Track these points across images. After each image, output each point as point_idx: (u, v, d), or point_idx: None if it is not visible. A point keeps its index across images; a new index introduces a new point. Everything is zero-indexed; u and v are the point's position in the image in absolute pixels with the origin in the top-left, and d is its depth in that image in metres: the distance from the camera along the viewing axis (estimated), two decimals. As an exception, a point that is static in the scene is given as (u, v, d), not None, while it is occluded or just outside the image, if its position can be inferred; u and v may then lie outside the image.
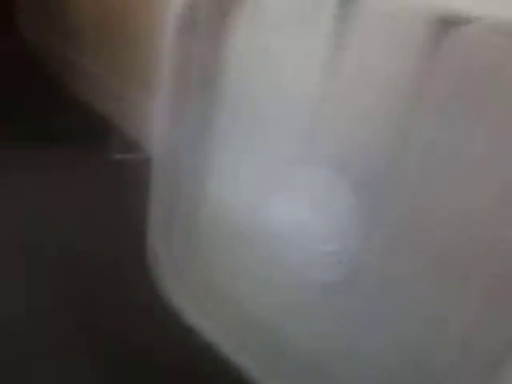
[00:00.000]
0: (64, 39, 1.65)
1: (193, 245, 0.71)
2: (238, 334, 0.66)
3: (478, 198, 0.42)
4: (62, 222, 0.95)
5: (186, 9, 0.61)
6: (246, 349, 0.64)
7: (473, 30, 0.40)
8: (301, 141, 0.57)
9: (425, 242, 0.47)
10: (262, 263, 0.62)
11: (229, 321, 0.67)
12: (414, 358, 0.48)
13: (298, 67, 0.55)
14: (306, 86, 0.55)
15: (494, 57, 0.40)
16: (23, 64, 1.50)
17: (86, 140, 1.23)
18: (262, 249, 0.62)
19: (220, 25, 0.61)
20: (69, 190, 1.06)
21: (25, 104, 1.40)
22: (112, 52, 1.43)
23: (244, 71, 0.61)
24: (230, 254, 0.67)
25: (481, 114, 0.41)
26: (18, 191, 1.04)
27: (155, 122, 0.69)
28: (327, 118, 0.54)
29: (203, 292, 0.71)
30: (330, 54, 0.52)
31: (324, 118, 0.54)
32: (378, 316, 0.52)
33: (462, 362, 0.45)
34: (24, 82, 1.48)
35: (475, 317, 0.43)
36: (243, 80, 0.61)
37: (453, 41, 0.42)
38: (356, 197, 0.52)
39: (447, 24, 0.41)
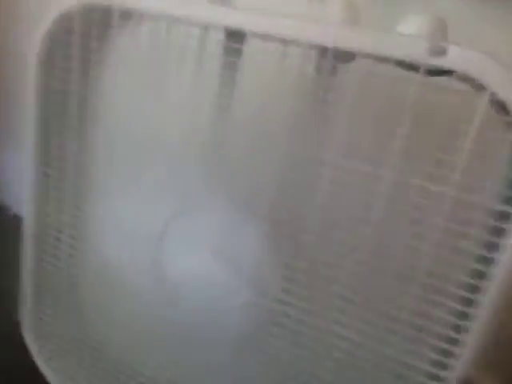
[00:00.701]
0: None
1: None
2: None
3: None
4: None
5: (44, 48, 0.54)
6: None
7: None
8: (192, 188, 0.51)
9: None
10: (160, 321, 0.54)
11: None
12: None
13: (180, 109, 0.49)
14: (195, 125, 0.50)
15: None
16: None
17: None
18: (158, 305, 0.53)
19: (87, 63, 0.54)
20: None
21: None
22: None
23: (117, 115, 0.54)
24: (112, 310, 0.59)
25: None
26: None
27: (22, 177, 0.61)
28: (220, 160, 0.50)
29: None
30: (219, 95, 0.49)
31: (217, 161, 0.50)
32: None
33: None
34: None
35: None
36: (117, 125, 0.54)
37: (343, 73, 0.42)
38: (269, 242, 0.47)
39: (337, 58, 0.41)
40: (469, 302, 0.40)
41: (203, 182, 0.51)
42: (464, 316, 0.41)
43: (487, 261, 0.39)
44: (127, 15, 0.50)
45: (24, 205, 0.61)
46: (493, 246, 0.39)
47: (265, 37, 0.44)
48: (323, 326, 0.46)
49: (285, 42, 0.43)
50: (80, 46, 0.53)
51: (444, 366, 0.42)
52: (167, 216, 0.53)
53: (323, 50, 0.42)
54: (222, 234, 0.50)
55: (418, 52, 0.37)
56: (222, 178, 0.50)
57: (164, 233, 0.53)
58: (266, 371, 0.50)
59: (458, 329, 0.41)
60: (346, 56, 0.42)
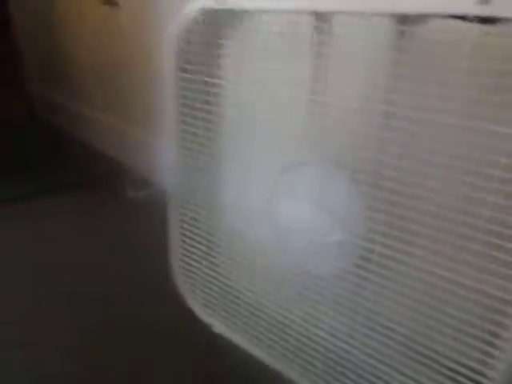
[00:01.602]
0: (69, 92, 1.79)
1: (213, 262, 0.77)
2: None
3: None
4: (94, 260, 1.03)
5: (180, 47, 0.68)
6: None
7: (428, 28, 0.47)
8: (297, 146, 0.62)
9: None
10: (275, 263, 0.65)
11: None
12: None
13: (288, 85, 0.60)
14: (297, 98, 0.61)
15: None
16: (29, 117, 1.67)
17: (104, 184, 1.36)
18: (273, 248, 0.65)
19: (214, 57, 0.67)
20: (95, 232, 1.14)
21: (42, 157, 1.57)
22: (115, 99, 1.53)
23: (241, 98, 0.66)
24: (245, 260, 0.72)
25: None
26: (49, 236, 1.13)
27: (167, 159, 0.77)
28: (318, 122, 0.60)
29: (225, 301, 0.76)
30: (315, 67, 0.59)
31: (315, 124, 0.60)
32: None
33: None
34: (36, 136, 1.66)
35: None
36: (242, 106, 0.66)
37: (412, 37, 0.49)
38: (354, 188, 0.56)
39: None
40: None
41: (305, 144, 0.62)
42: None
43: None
44: (245, 14, 0.62)
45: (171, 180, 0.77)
46: None
47: (350, 14, 0.52)
48: (404, 259, 0.53)
49: (366, 15, 0.51)
50: (211, 41, 0.66)
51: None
52: (277, 171, 0.65)
53: (397, 17, 0.49)
54: (319, 185, 0.59)
55: (466, 4, 0.42)
56: (319, 140, 0.59)
57: (275, 186, 0.65)
58: (361, 303, 0.58)
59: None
60: (414, 19, 0.48)
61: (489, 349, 0.49)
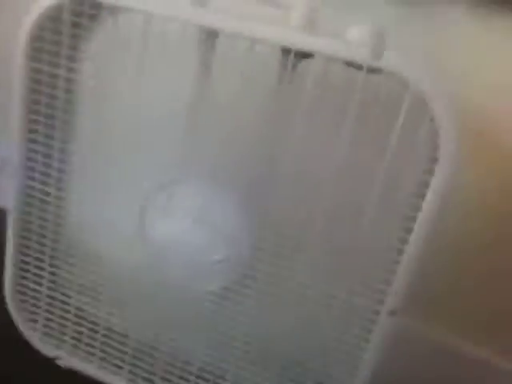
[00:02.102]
0: None
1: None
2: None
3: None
4: None
5: (33, 43, 0.59)
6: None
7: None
8: (173, 162, 0.60)
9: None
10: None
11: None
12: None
13: (164, 90, 0.57)
14: (172, 109, 0.58)
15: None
16: None
17: None
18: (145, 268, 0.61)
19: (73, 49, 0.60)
20: None
21: None
22: None
23: (103, 97, 0.60)
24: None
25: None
26: None
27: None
28: (198, 135, 0.58)
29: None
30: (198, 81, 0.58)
31: (194, 137, 0.58)
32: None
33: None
34: None
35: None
36: (103, 106, 0.61)
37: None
38: (237, 204, 0.57)
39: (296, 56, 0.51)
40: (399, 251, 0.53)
41: (181, 159, 0.59)
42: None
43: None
44: (112, 9, 0.57)
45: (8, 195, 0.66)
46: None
47: (235, 36, 0.53)
48: (289, 276, 0.56)
49: (253, 40, 0.52)
50: (68, 34, 0.58)
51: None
52: (149, 189, 0.61)
53: (286, 50, 0.52)
54: (201, 202, 0.58)
55: (361, 55, 0.48)
56: (198, 155, 0.58)
57: (146, 204, 0.61)
58: (242, 321, 0.60)
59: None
60: (304, 55, 0.52)
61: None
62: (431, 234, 0.52)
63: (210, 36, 0.56)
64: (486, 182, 0.73)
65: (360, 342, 0.56)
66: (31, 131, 0.63)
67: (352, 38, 0.49)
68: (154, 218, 0.61)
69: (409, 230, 0.52)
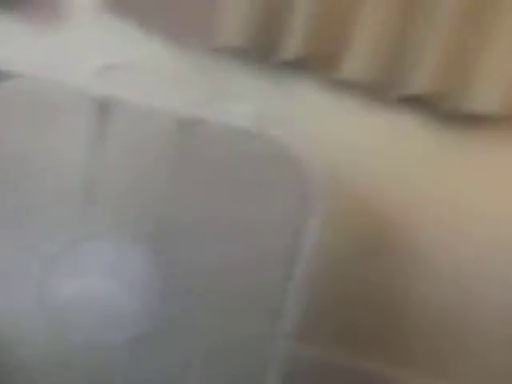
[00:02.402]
0: None
1: None
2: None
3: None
4: None
5: None
6: None
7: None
8: (74, 221, 0.62)
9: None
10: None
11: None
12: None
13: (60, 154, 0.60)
14: (68, 173, 0.61)
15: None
16: None
17: None
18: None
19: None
20: None
21: None
22: None
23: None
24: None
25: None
26: None
27: None
28: (98, 196, 0.62)
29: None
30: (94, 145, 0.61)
31: (92, 198, 0.62)
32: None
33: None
34: None
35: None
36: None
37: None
38: (142, 257, 0.62)
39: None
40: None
41: (80, 219, 0.62)
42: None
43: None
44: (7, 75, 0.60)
45: None
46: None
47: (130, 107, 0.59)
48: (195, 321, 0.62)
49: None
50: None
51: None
52: (51, 252, 0.62)
53: (181, 119, 0.59)
54: (110, 259, 0.62)
55: (251, 124, 0.57)
56: (105, 211, 0.63)
57: (49, 267, 0.63)
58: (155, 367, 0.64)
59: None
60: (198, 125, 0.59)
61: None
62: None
63: (107, 105, 0.61)
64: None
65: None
66: None
67: (240, 112, 0.58)
68: (58, 280, 0.63)
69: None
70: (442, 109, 0.79)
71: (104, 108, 0.60)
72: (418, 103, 0.79)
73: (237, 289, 0.62)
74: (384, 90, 0.79)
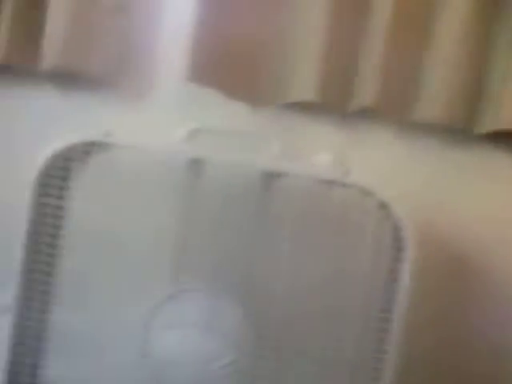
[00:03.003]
0: None
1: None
2: None
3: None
4: None
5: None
6: None
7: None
8: (169, 280, 0.65)
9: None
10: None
11: None
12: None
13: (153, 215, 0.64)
14: (162, 231, 0.65)
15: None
16: None
17: None
18: None
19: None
20: None
21: None
22: None
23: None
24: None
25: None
26: None
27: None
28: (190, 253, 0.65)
29: None
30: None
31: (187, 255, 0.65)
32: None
33: None
34: None
35: None
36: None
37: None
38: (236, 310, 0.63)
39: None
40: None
41: (176, 275, 0.65)
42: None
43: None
44: (106, 148, 0.66)
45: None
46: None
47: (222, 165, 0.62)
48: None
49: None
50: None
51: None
52: (150, 306, 0.65)
53: (265, 174, 0.61)
54: (204, 312, 0.64)
55: (333, 173, 0.58)
56: (198, 267, 0.65)
57: (149, 320, 0.65)
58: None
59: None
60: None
61: None
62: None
63: (197, 165, 0.65)
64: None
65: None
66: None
67: (320, 162, 0.59)
68: (157, 333, 0.65)
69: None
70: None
71: (194, 168, 0.64)
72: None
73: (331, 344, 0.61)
74: (465, 128, 0.78)
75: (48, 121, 0.90)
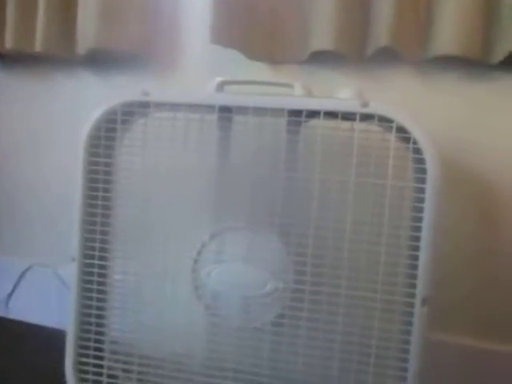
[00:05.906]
0: None
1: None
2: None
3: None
4: None
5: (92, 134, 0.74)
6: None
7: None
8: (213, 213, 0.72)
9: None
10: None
11: None
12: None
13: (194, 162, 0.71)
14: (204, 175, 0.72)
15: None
16: None
17: None
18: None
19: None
20: None
21: None
22: None
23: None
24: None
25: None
26: None
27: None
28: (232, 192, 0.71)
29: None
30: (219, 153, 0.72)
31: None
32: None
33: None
34: None
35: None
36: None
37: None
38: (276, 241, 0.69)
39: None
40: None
41: (223, 211, 0.72)
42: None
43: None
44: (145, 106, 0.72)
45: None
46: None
47: (247, 110, 0.68)
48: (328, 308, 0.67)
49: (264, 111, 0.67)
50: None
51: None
52: (202, 239, 0.73)
53: (294, 112, 0.66)
54: (247, 245, 0.70)
55: (353, 105, 0.63)
56: (238, 206, 0.71)
57: (198, 257, 0.73)
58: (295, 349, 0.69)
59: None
60: (307, 115, 0.66)
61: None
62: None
63: (228, 112, 0.71)
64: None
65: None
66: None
67: (342, 97, 0.64)
68: (205, 268, 0.73)
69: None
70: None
71: (225, 116, 0.70)
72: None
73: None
74: (481, 59, 0.80)
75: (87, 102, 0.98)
